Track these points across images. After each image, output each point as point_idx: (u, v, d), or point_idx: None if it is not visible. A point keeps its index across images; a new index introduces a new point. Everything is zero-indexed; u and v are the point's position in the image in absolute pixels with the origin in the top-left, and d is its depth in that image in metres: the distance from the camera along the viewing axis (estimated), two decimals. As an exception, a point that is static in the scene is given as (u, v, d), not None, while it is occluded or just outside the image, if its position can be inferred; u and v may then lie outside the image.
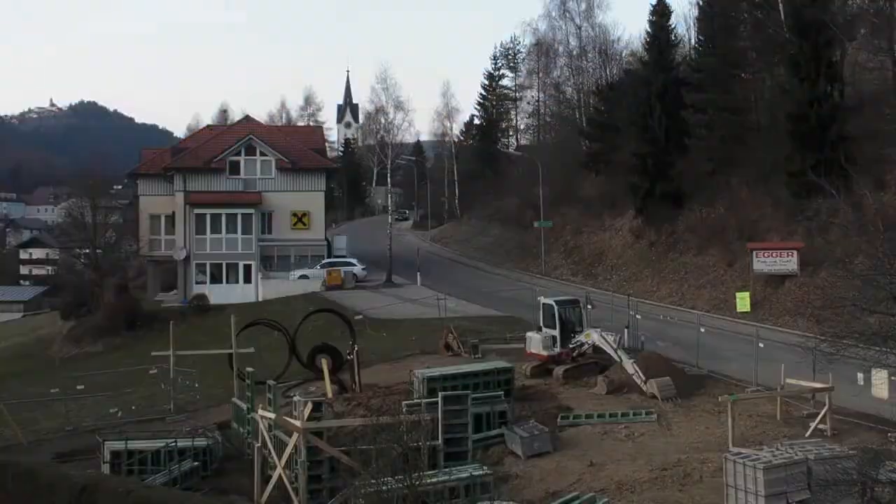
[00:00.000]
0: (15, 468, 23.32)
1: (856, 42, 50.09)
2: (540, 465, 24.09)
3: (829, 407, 25.06)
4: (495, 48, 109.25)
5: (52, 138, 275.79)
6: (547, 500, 21.03)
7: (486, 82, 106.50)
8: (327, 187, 68.48)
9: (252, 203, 62.07)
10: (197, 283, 61.06)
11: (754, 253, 44.94)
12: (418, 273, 62.38)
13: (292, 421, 22.47)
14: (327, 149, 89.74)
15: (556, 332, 32.75)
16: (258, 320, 41.08)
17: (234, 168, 63.49)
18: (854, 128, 45.60)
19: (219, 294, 59.46)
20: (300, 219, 63.62)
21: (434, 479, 20.34)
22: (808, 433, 24.09)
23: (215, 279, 61.04)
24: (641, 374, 28.98)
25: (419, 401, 25.59)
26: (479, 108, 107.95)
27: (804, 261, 43.73)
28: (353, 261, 65.12)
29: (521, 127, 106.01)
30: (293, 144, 66.40)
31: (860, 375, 25.76)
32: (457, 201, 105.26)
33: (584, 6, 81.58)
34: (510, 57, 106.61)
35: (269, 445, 22.81)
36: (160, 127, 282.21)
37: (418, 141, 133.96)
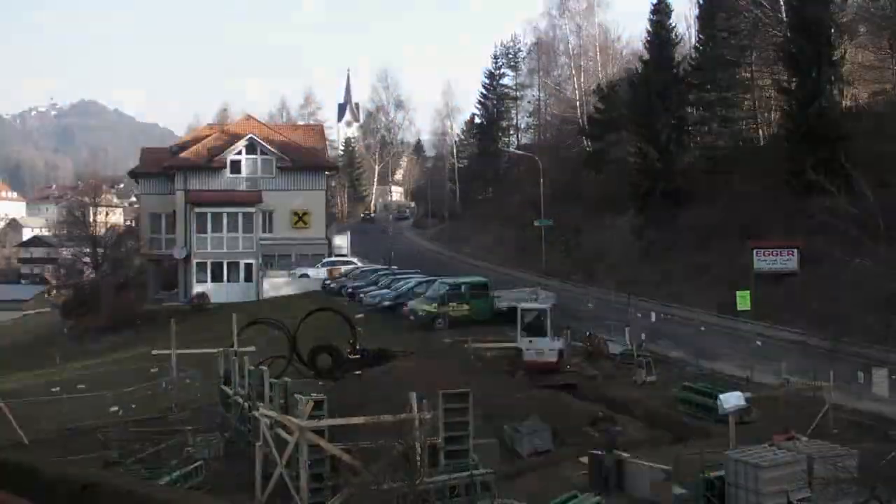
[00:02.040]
0: (15, 468, 23.32)
1: (855, 41, 50.09)
2: (540, 462, 24.14)
3: (829, 405, 25.08)
4: (496, 47, 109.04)
5: (52, 138, 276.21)
6: (546, 498, 21.00)
7: (487, 81, 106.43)
8: (328, 186, 68.50)
9: (252, 202, 62.09)
10: (197, 281, 61.08)
11: (755, 251, 44.96)
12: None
13: (293, 419, 22.48)
14: (328, 148, 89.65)
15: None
16: (259, 319, 41.11)
17: (235, 167, 63.52)
18: (854, 127, 45.62)
19: (219, 293, 59.53)
20: (301, 218, 63.65)
21: (434, 478, 20.33)
22: (809, 431, 24.09)
23: (216, 278, 61.07)
24: None
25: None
26: (479, 106, 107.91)
27: (804, 259, 43.73)
28: (354, 259, 65.16)
29: (522, 126, 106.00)
30: (293, 143, 66.44)
31: (860, 374, 25.77)
32: (457, 200, 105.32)
33: (584, 5, 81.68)
34: (511, 56, 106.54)
35: (270, 444, 22.82)
36: (160, 126, 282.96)
37: (419, 140, 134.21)
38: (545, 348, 32.24)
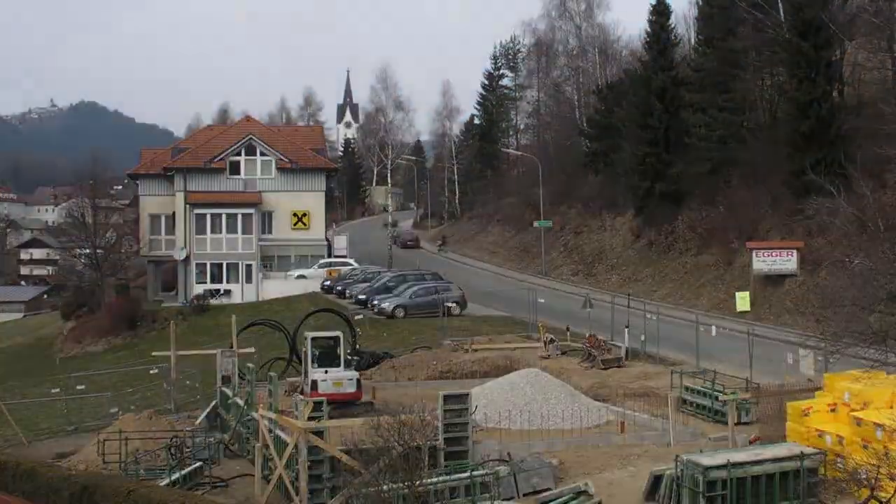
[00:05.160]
0: (15, 468, 23.31)
1: (855, 41, 50.12)
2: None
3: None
4: (495, 48, 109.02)
5: (52, 138, 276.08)
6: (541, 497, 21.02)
7: (486, 82, 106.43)
8: (327, 187, 68.52)
9: (252, 203, 62.11)
10: (197, 282, 61.10)
11: (754, 252, 45.00)
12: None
13: (292, 420, 22.48)
14: (327, 149, 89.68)
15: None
16: (258, 320, 41.15)
17: (235, 168, 63.54)
18: (853, 127, 45.63)
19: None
20: (300, 219, 63.66)
21: (434, 479, 20.33)
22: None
23: (216, 279, 61.10)
24: None
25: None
26: (479, 107, 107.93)
27: (804, 260, 43.76)
28: (351, 261, 65.22)
29: (521, 127, 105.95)
30: (293, 144, 66.46)
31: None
32: (457, 201, 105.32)
33: (583, 6, 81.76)
34: (510, 57, 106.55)
35: (270, 445, 22.82)
36: (160, 127, 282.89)
37: (418, 141, 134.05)
38: (343, 379, 28.68)
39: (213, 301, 58.54)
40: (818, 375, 25.14)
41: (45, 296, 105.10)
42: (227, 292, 60.16)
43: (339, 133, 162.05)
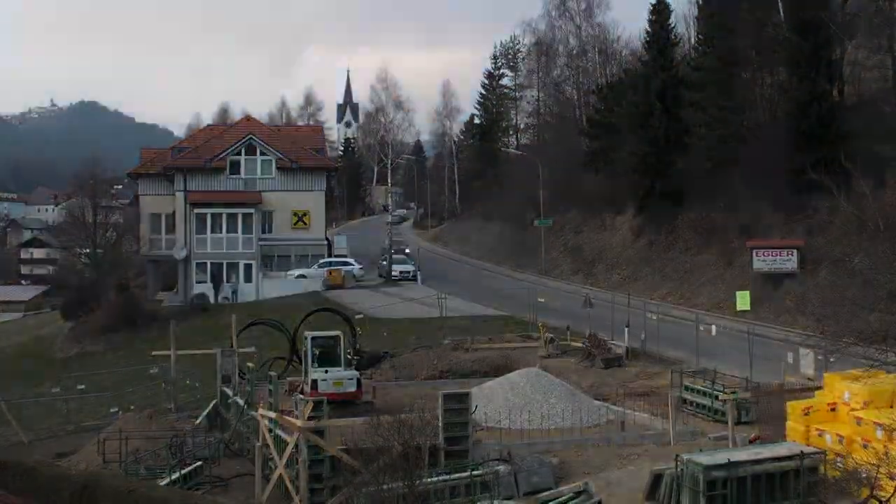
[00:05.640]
0: (15, 467, 23.29)
1: (855, 40, 50.14)
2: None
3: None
4: (495, 47, 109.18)
5: (52, 138, 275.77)
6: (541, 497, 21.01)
7: (486, 82, 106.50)
8: (327, 187, 68.51)
9: (252, 202, 62.07)
10: (197, 282, 61.04)
11: (754, 251, 44.99)
12: (418, 272, 62.52)
13: (292, 420, 22.49)
14: (327, 148, 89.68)
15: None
16: (258, 320, 41.12)
17: (235, 168, 63.50)
18: (853, 126, 45.63)
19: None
20: (300, 218, 63.63)
21: (434, 479, 20.34)
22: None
23: (215, 279, 61.05)
24: None
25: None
26: (479, 107, 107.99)
27: (804, 259, 43.76)
28: (351, 260, 65.22)
29: (521, 126, 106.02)
30: (293, 144, 66.46)
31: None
32: (457, 201, 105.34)
33: (583, 5, 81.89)
34: (510, 56, 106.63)
35: (270, 444, 22.83)
36: (160, 126, 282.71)
37: (418, 140, 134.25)
38: (343, 378, 28.63)
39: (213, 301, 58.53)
40: (818, 375, 25.16)
41: (45, 296, 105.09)
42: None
43: (340, 133, 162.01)
